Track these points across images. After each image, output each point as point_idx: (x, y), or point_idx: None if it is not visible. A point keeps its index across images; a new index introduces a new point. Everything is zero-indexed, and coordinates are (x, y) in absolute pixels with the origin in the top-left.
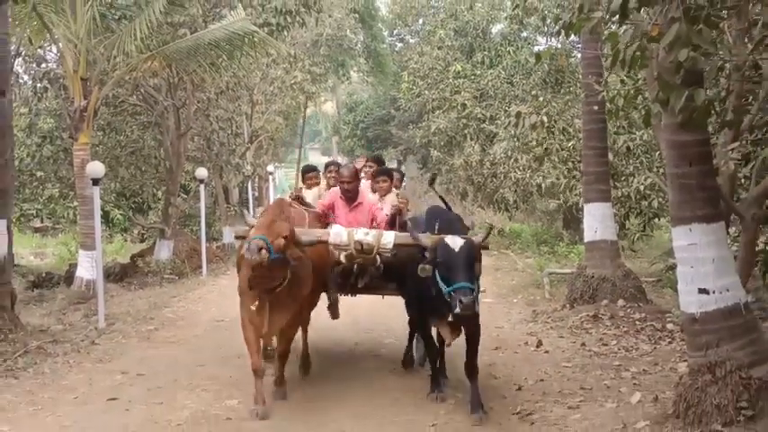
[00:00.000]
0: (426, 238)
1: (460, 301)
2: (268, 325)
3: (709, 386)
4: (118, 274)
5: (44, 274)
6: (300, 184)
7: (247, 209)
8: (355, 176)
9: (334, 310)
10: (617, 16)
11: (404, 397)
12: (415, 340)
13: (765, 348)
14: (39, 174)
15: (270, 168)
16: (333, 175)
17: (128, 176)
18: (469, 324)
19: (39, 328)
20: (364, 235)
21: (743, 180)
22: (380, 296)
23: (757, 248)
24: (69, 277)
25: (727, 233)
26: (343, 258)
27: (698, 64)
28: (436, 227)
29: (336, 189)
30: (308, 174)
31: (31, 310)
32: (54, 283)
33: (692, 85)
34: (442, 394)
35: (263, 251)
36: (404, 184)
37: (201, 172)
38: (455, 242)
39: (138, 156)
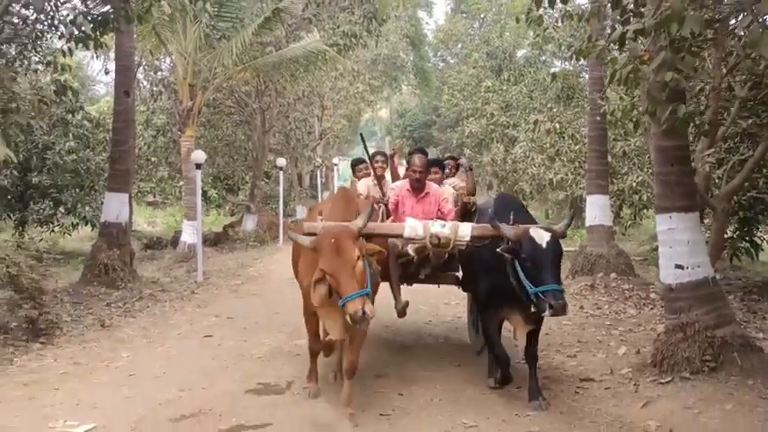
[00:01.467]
0: (510, 229)
1: (550, 306)
2: (342, 331)
3: (681, 342)
4: (212, 240)
5: (155, 239)
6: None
7: (316, 192)
8: (426, 166)
9: (402, 309)
10: (617, 44)
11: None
12: (469, 326)
13: (727, 314)
14: (153, 159)
15: (335, 160)
16: (379, 164)
17: (222, 163)
18: (539, 322)
19: (151, 279)
20: (441, 227)
21: (716, 180)
22: (436, 285)
23: (726, 236)
24: (175, 241)
25: (702, 222)
26: (411, 251)
27: (680, 84)
28: (511, 217)
29: (400, 183)
30: (358, 166)
31: (144, 266)
32: (162, 246)
33: (675, 101)
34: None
35: (367, 306)
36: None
37: (281, 161)
38: (541, 236)
39: (231, 147)
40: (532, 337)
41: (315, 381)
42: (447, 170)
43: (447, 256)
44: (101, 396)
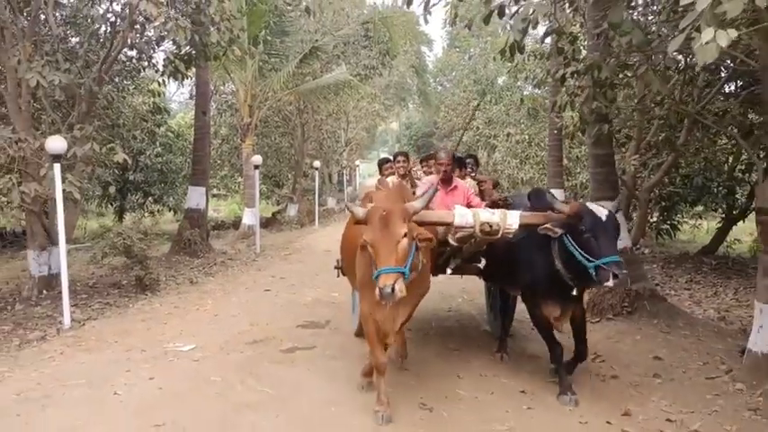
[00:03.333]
0: (566, 207)
1: (615, 275)
2: (394, 319)
3: (607, 294)
4: (264, 223)
5: (220, 222)
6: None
7: (342, 187)
8: (452, 159)
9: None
10: (560, 82)
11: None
12: (487, 310)
13: (640, 273)
14: (218, 162)
15: (357, 162)
16: (401, 164)
17: (271, 164)
18: (579, 305)
19: (221, 251)
20: (491, 215)
21: (641, 178)
22: (459, 276)
23: (652, 221)
24: (236, 224)
25: (629, 210)
26: (453, 240)
27: (602, 110)
28: (557, 202)
29: (430, 178)
30: (385, 165)
31: (214, 242)
32: (226, 227)
33: (600, 122)
34: (575, 397)
35: (398, 284)
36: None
37: (317, 163)
38: (600, 211)
39: (278, 152)
40: (582, 330)
41: (387, 403)
42: (469, 168)
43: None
44: (196, 328)
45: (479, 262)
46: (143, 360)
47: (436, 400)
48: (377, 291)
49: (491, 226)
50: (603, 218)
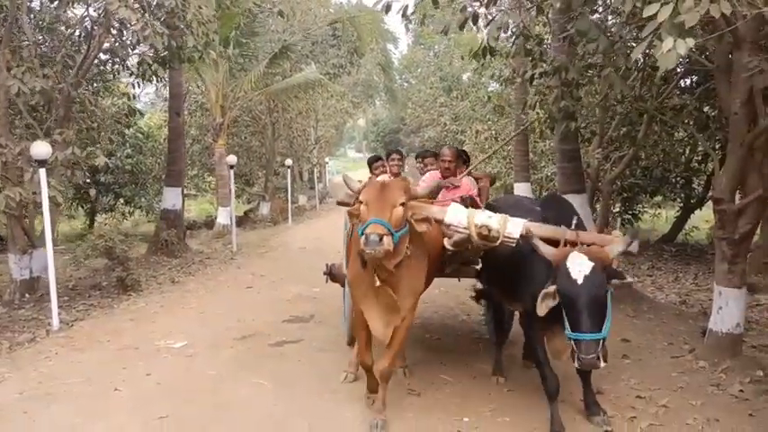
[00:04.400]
0: (548, 248)
1: (579, 358)
2: (386, 317)
3: None
4: (237, 222)
5: (191, 221)
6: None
7: (313, 185)
8: (456, 156)
9: None
10: (529, 81)
11: None
12: (485, 318)
13: None
14: (189, 162)
15: (326, 160)
16: (395, 163)
17: (242, 164)
18: None
19: (197, 251)
20: (488, 218)
21: (603, 170)
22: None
23: (615, 211)
24: (208, 223)
25: (593, 201)
26: (449, 245)
27: (569, 109)
28: (573, 222)
29: (434, 173)
30: (375, 163)
31: (189, 242)
32: (198, 227)
33: (567, 119)
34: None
35: (386, 238)
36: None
37: (288, 161)
38: (579, 267)
39: (249, 152)
40: (586, 379)
41: (381, 408)
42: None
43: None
44: (185, 326)
45: (477, 264)
46: (137, 357)
47: (422, 385)
48: (362, 239)
49: (489, 230)
50: (580, 279)
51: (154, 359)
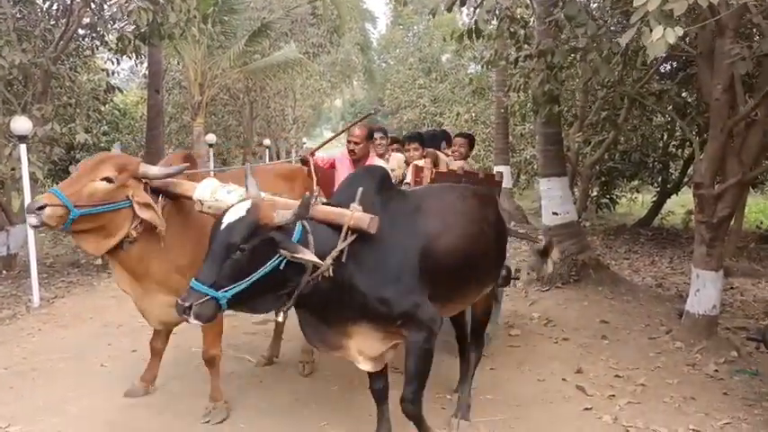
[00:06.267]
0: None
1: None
2: (140, 302)
3: (556, 263)
4: None
5: None
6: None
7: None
8: (365, 138)
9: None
10: (513, 64)
11: None
12: None
13: (585, 243)
14: (166, 141)
15: (304, 140)
16: (379, 142)
17: (219, 143)
18: None
19: None
20: (227, 193)
21: (583, 154)
22: None
23: (593, 195)
24: None
25: (573, 185)
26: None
27: (554, 92)
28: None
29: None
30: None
31: None
32: None
33: (551, 103)
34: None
35: (49, 209)
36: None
37: (266, 141)
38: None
39: (226, 131)
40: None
41: (149, 381)
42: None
43: None
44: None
45: None
46: (122, 334)
47: None
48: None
49: (202, 204)
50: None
51: (138, 336)
